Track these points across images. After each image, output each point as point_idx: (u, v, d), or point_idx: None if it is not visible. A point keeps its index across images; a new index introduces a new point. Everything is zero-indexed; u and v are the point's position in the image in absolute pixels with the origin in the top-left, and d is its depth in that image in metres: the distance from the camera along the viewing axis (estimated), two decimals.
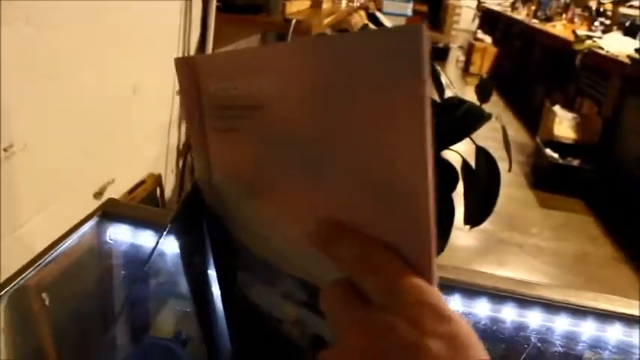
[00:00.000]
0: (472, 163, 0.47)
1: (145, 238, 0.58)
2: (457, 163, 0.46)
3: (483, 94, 0.48)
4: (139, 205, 0.64)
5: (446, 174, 0.45)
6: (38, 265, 0.50)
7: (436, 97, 0.46)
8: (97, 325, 0.62)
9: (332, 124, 0.21)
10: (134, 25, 1.08)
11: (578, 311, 0.54)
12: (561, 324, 0.54)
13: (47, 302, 0.73)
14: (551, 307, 0.54)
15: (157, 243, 0.29)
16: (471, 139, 0.46)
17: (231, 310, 0.34)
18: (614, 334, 0.54)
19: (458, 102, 0.45)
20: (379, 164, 0.19)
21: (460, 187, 0.46)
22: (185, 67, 0.28)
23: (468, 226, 0.49)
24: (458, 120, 0.44)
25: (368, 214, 0.21)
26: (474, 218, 0.48)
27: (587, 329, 0.54)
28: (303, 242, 0.24)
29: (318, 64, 0.20)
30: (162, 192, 1.33)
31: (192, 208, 0.31)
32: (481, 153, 0.47)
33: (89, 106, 0.97)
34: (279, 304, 0.28)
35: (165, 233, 0.29)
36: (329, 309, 0.21)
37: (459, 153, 0.47)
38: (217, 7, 1.39)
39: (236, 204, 0.28)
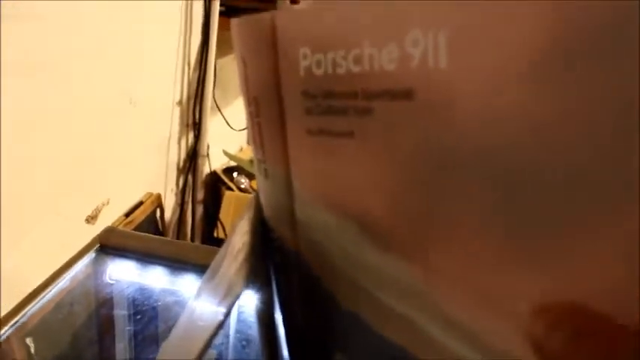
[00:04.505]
0: None
1: (155, 278, 0.46)
2: None
3: None
4: (146, 236, 0.52)
5: None
6: (16, 322, 0.38)
7: None
8: None
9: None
10: (130, 30, 0.97)
11: None
12: None
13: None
14: None
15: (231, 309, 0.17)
16: None
17: None
18: None
19: None
20: None
21: None
22: (254, 32, 0.16)
23: None
24: None
25: None
26: None
27: None
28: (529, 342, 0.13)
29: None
30: (162, 214, 1.20)
31: (257, 250, 0.19)
32: None
33: (80, 117, 0.84)
34: None
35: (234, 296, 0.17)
36: None
37: None
38: (220, 12, 1.28)
39: (350, 255, 0.16)
